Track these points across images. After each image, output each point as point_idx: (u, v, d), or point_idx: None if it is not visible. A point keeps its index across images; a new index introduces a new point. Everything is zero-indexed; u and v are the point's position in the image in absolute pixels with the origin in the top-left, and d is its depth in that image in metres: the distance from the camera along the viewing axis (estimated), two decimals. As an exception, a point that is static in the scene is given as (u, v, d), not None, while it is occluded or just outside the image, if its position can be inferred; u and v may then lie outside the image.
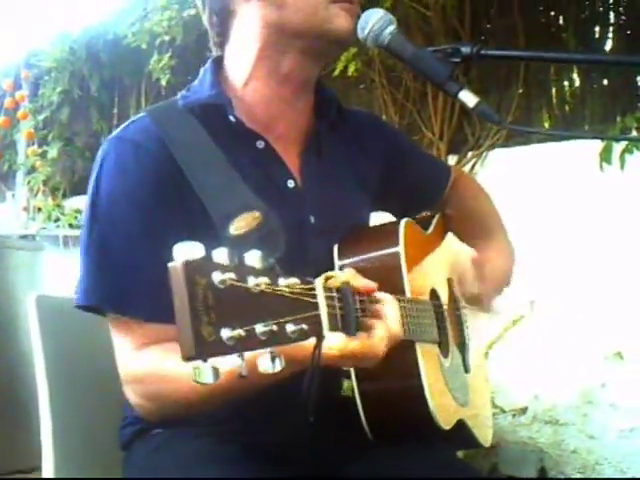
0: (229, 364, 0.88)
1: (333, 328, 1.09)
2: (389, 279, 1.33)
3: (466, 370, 1.81)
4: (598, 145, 3.38)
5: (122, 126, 1.50)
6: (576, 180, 3.66)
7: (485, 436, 1.84)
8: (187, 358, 0.85)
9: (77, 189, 6.21)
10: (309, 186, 1.57)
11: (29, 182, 6.28)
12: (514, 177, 3.82)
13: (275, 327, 0.92)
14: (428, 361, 1.51)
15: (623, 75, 3.88)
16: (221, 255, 0.89)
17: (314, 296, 1.05)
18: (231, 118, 1.49)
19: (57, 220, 5.98)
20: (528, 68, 4.03)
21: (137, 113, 5.18)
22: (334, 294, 1.11)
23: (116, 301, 1.41)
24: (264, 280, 0.93)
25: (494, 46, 4.14)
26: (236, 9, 1.51)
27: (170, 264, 0.87)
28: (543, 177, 3.78)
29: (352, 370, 1.45)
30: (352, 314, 1.14)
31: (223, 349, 0.86)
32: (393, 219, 1.76)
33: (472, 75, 4.03)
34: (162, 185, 1.41)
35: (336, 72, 4.00)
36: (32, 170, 6.32)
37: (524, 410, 3.72)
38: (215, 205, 1.37)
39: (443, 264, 1.84)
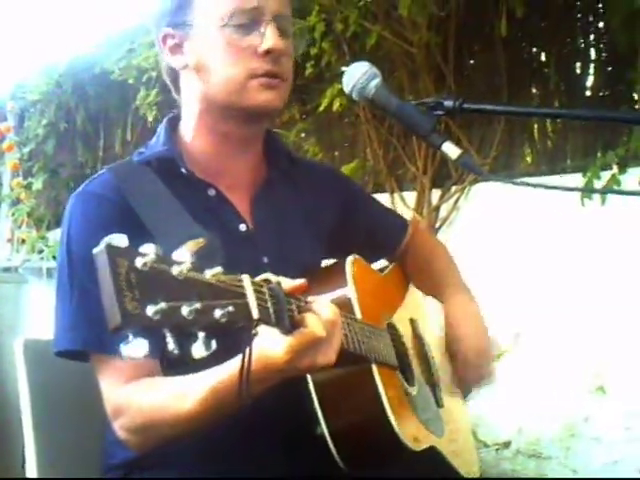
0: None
1: (264, 317, 1.11)
2: (340, 307, 1.34)
3: (438, 404, 1.81)
4: (579, 180, 3.42)
5: (86, 182, 1.61)
6: (558, 214, 3.69)
7: (468, 468, 1.84)
8: (114, 328, 0.90)
9: (62, 220, 6.23)
10: (261, 229, 1.65)
11: (13, 214, 6.28)
12: (497, 211, 3.85)
13: (200, 306, 0.96)
14: (388, 383, 1.52)
15: (604, 111, 3.92)
16: (147, 248, 0.95)
17: (242, 287, 1.08)
18: (183, 170, 1.59)
19: (41, 252, 6.00)
20: (511, 102, 4.07)
21: (123, 146, 5.27)
22: (263, 288, 1.14)
23: (97, 341, 1.45)
24: (187, 267, 0.97)
25: (477, 81, 4.25)
26: (179, 73, 1.64)
27: (94, 250, 0.93)
28: (526, 211, 3.80)
29: (316, 401, 1.47)
30: (283, 307, 1.16)
31: (149, 321, 0.90)
32: None
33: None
34: (124, 230, 1.44)
35: (321, 108, 4.04)
36: (17, 202, 6.33)
37: (507, 444, 3.72)
38: (164, 239, 1.41)
39: (406, 305, 1.87)
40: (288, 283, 1.24)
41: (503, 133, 4.08)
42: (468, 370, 1.79)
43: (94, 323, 1.43)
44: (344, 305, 1.49)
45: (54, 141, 6.11)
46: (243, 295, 1.08)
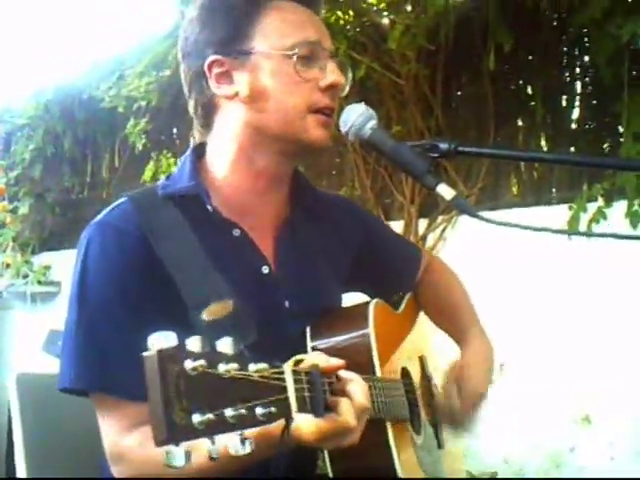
0: (201, 447, 0.92)
1: (301, 409, 1.11)
2: (359, 359, 1.36)
3: (439, 445, 1.82)
4: (565, 211, 3.45)
5: (105, 211, 1.55)
6: (545, 245, 3.71)
7: None
8: (159, 442, 0.89)
9: (47, 245, 6.21)
10: (283, 272, 1.61)
11: (-2, 238, 6.26)
12: (484, 241, 3.87)
13: (244, 411, 0.96)
14: (399, 439, 1.52)
15: (590, 144, 3.97)
16: (194, 343, 0.94)
17: (283, 380, 1.08)
18: (209, 208, 1.54)
19: (26, 276, 5.97)
20: (497, 134, 4.11)
21: (110, 172, 5.22)
22: (302, 377, 1.14)
23: (102, 381, 1.43)
24: (234, 366, 0.97)
25: (464, 113, 4.28)
26: (220, 104, 1.57)
27: (144, 353, 0.91)
28: (512, 242, 3.83)
29: (325, 451, 1.46)
30: (320, 395, 1.16)
31: (194, 433, 0.90)
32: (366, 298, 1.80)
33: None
34: (142, 268, 1.45)
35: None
36: (2, 226, 6.30)
37: (494, 474, 3.71)
38: (189, 292, 1.42)
39: (415, 342, 1.87)
40: (324, 362, 1.23)
41: (489, 164, 4.12)
42: (468, 412, 1.78)
43: (99, 362, 1.44)
44: (364, 352, 1.50)
45: (41, 166, 6.09)
46: (284, 389, 1.08)
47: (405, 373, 1.73)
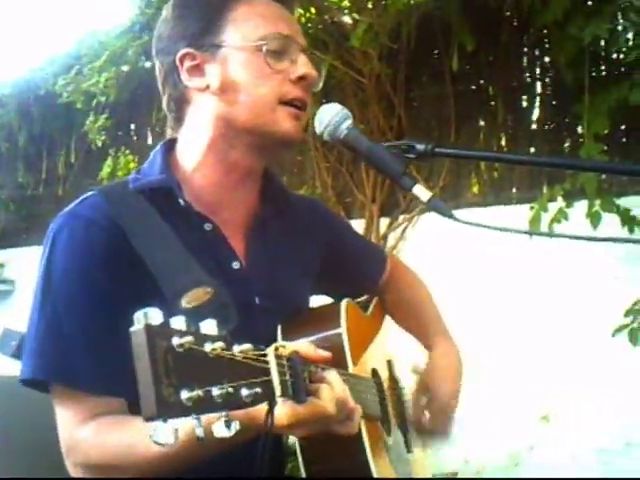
0: (187, 426, 0.90)
1: (284, 394, 1.10)
2: (332, 358, 1.33)
3: (408, 449, 1.80)
4: (526, 211, 3.47)
5: (73, 203, 1.51)
6: (505, 246, 3.74)
7: None
8: (149, 418, 0.87)
9: (0, 242, 6.11)
10: (254, 268, 1.59)
11: (-50, 234, 6.14)
12: (444, 241, 3.89)
13: (231, 390, 0.95)
14: (372, 437, 1.50)
15: (550, 144, 4.01)
16: (178, 322, 0.93)
17: (266, 362, 1.08)
18: (180, 201, 1.52)
19: (-21, 271, 5.88)
20: (458, 134, 4.13)
21: (66, 168, 5.13)
22: (284, 362, 1.13)
23: (63, 373, 1.40)
24: (220, 345, 0.96)
25: (425, 112, 4.30)
26: (191, 98, 1.56)
27: (132, 328, 0.90)
28: (472, 242, 3.84)
29: (298, 448, 1.44)
30: (301, 381, 1.16)
31: (182, 410, 0.89)
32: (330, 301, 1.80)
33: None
34: (112, 260, 1.42)
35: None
36: (-46, 223, 6.19)
37: (454, 474, 3.73)
38: (167, 280, 1.39)
39: (382, 345, 1.86)
40: (312, 351, 1.24)
41: (451, 163, 4.14)
42: (438, 420, 1.78)
43: (60, 354, 1.40)
44: (337, 350, 1.47)
45: (-6, 162, 6.01)
46: (267, 371, 1.07)
47: (374, 374, 1.71)
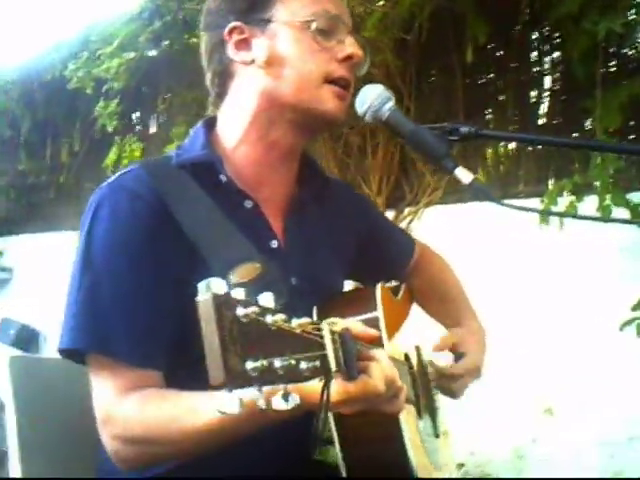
0: (249, 396, 0.92)
1: (339, 369, 1.11)
2: (369, 342, 1.33)
3: (436, 435, 1.81)
4: (535, 203, 3.47)
5: (116, 175, 1.52)
6: (510, 238, 3.75)
7: None
8: (216, 386, 0.89)
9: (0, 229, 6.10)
10: (291, 249, 1.61)
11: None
12: (449, 233, 3.90)
13: (293, 362, 0.97)
14: (408, 421, 1.51)
15: (557, 138, 4.01)
16: (239, 293, 0.94)
17: (321, 337, 1.09)
18: (222, 177, 1.54)
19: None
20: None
21: (70, 156, 5.12)
22: (337, 338, 1.14)
23: (104, 343, 1.40)
24: (281, 317, 0.98)
25: (434, 104, 4.30)
26: (236, 71, 1.58)
27: (199, 297, 0.91)
28: (479, 234, 3.86)
29: (335, 431, 1.44)
30: (353, 357, 1.16)
31: (247, 380, 0.91)
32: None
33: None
34: (156, 232, 1.43)
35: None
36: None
37: (460, 466, 3.74)
38: (214, 255, 1.40)
39: (408, 326, 1.87)
40: (357, 329, 1.24)
41: (457, 157, 4.12)
42: (461, 380, 1.80)
43: (101, 324, 1.41)
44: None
45: (-4, 148, 5.98)
46: (321, 346, 1.08)
47: (406, 358, 1.72)
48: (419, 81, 4.24)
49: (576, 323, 3.61)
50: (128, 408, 1.37)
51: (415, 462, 1.48)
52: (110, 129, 4.71)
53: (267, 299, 0.99)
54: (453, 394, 1.82)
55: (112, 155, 4.88)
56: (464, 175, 1.37)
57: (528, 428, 3.72)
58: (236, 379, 0.90)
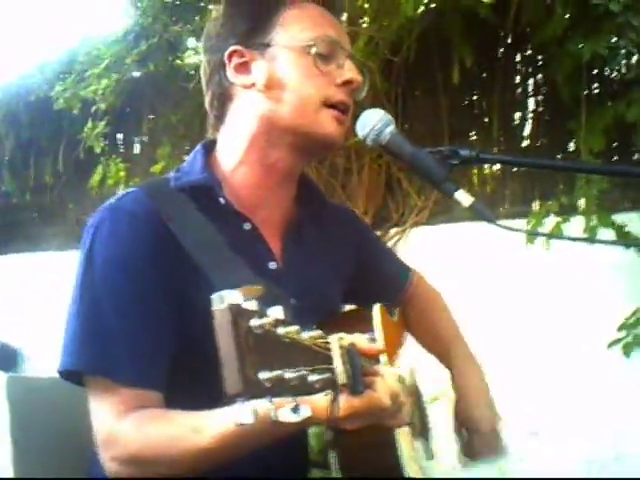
0: (263, 407, 0.92)
1: (347, 383, 1.12)
2: (371, 358, 1.34)
3: (430, 456, 1.81)
4: (520, 224, 3.50)
5: (115, 197, 1.52)
6: (498, 259, 3.77)
7: None
8: (232, 395, 0.90)
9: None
10: (289, 270, 1.61)
11: None
12: (435, 255, 3.91)
13: (304, 374, 0.98)
14: (405, 440, 1.51)
15: (542, 160, 4.05)
16: (252, 305, 0.95)
17: (330, 350, 1.11)
18: (221, 200, 1.54)
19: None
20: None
21: (54, 176, 5.09)
22: (345, 352, 1.15)
23: (103, 365, 1.40)
24: (293, 329, 0.99)
25: (419, 126, 4.33)
26: (235, 94, 1.59)
27: (215, 307, 0.92)
28: (464, 255, 3.87)
29: (333, 450, 1.45)
30: (359, 372, 1.17)
31: (261, 390, 0.91)
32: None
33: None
34: (157, 253, 1.43)
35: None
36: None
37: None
38: (217, 275, 1.40)
39: (405, 353, 1.88)
40: (362, 344, 1.24)
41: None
42: (483, 442, 1.80)
43: (100, 345, 1.40)
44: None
45: (-21, 168, 5.96)
46: (329, 359, 1.09)
47: (401, 380, 1.73)
48: (405, 102, 4.27)
49: (564, 343, 3.62)
50: (128, 428, 1.37)
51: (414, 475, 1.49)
52: (98, 150, 4.71)
53: (277, 312, 0.99)
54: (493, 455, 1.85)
55: (97, 176, 4.88)
56: (464, 198, 1.38)
57: (515, 446, 3.72)
58: (251, 389, 0.91)
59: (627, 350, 3.18)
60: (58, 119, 5.18)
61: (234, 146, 1.59)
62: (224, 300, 0.92)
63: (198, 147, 1.64)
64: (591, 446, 3.57)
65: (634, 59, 3.58)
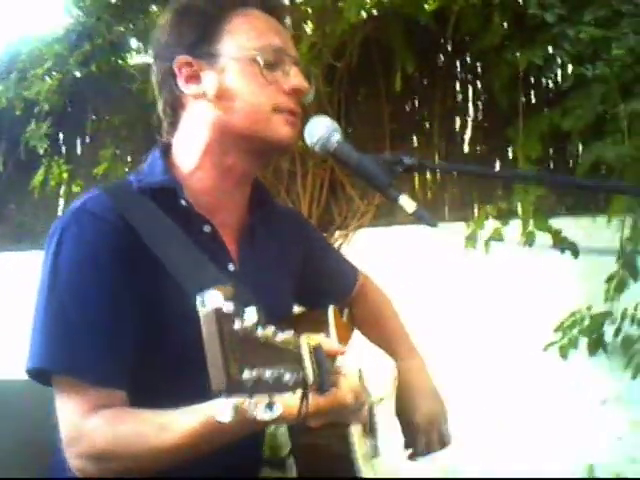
0: (242, 404, 1.00)
1: (315, 382, 1.17)
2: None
3: (376, 454, 1.87)
4: (461, 227, 3.58)
5: (79, 200, 1.53)
6: (439, 260, 3.85)
7: None
8: (218, 392, 0.98)
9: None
10: (245, 272, 1.64)
11: None
12: (379, 257, 3.96)
13: (279, 373, 1.04)
14: (358, 439, 1.57)
15: (480, 165, 4.15)
16: (229, 307, 1.02)
17: (299, 350, 1.16)
18: (182, 202, 1.57)
19: None
20: (392, 153, 4.22)
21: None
22: (312, 352, 1.20)
23: (70, 363, 1.42)
24: (270, 330, 1.06)
25: (361, 132, 4.39)
26: (187, 103, 1.62)
27: (202, 309, 1.01)
28: (407, 257, 3.94)
29: (288, 452, 1.53)
30: (325, 372, 1.21)
31: (243, 388, 0.99)
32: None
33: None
34: (124, 254, 1.45)
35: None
36: None
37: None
38: (186, 277, 1.42)
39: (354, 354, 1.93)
40: (326, 345, 1.27)
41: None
42: (421, 436, 1.84)
43: (66, 345, 1.42)
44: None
45: None
46: (300, 358, 1.14)
47: (361, 378, 1.77)
48: (347, 107, 4.33)
49: (502, 345, 3.69)
50: (94, 425, 1.39)
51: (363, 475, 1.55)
52: (41, 151, 4.66)
53: (253, 314, 1.05)
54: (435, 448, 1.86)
55: (39, 177, 4.83)
56: (408, 204, 1.43)
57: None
58: (235, 386, 0.98)
59: (564, 352, 3.27)
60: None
61: (190, 152, 1.62)
62: (207, 302, 0.99)
63: (155, 150, 1.67)
64: (527, 446, 3.65)
65: (569, 69, 3.68)
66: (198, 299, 0.99)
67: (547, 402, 3.54)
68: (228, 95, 1.56)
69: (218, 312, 0.99)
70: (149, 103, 4.53)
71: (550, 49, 3.51)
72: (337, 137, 1.51)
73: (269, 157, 1.72)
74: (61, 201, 5.26)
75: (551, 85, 4.01)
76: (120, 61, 4.82)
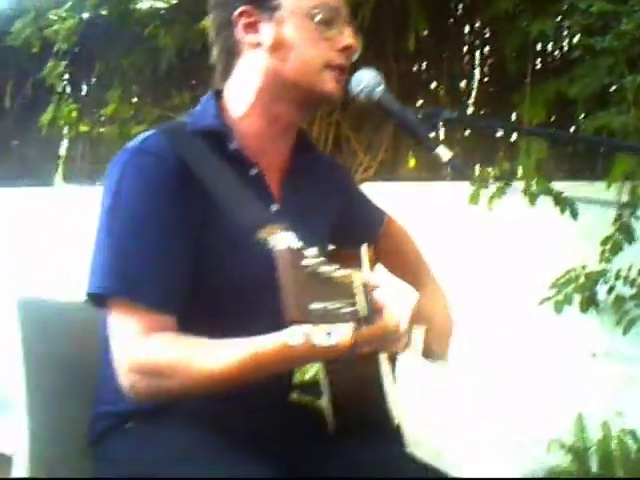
0: (309, 331, 1.19)
1: (365, 315, 1.28)
2: None
3: (395, 381, 2.03)
4: (461, 187, 3.68)
5: (136, 140, 1.64)
6: (441, 217, 3.94)
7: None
8: (291, 320, 1.15)
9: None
10: (288, 213, 1.71)
11: None
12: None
13: (340, 306, 1.20)
14: (385, 366, 1.74)
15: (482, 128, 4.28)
16: (299, 246, 1.20)
17: (351, 285, 1.28)
18: (231, 146, 1.67)
19: None
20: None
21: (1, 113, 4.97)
22: (363, 287, 1.31)
23: (128, 286, 1.51)
24: (332, 267, 1.21)
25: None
26: (243, 51, 1.71)
27: (278, 249, 1.19)
28: (411, 214, 4.03)
29: (323, 373, 1.68)
30: (372, 304, 1.32)
31: (311, 318, 1.15)
32: None
33: (350, 111, 4.35)
34: (182, 189, 1.56)
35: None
36: None
37: None
38: (237, 212, 1.53)
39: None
40: (370, 281, 1.35)
41: (390, 138, 4.38)
42: (436, 341, 1.99)
43: (126, 269, 1.53)
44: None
45: None
46: (353, 293, 1.25)
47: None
48: (356, 67, 4.41)
49: (500, 300, 3.70)
50: (151, 344, 1.49)
51: (391, 399, 1.72)
52: (59, 90, 4.72)
53: (314, 253, 1.20)
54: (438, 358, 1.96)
55: (48, 114, 4.89)
56: (444, 153, 1.56)
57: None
58: (305, 316, 1.14)
59: (558, 307, 3.41)
60: (6, 56, 5.13)
61: (241, 98, 1.71)
62: (279, 240, 1.18)
63: (209, 95, 1.76)
64: (520, 393, 3.75)
65: (576, 38, 3.80)
66: (274, 239, 1.17)
67: (540, 353, 3.63)
68: (283, 47, 1.66)
69: (292, 250, 1.16)
70: (158, 47, 4.60)
71: (561, 19, 3.62)
72: (382, 87, 1.65)
73: (315, 107, 1.83)
74: (65, 141, 5.34)
75: (557, 53, 4.13)
76: (130, 5, 4.87)
